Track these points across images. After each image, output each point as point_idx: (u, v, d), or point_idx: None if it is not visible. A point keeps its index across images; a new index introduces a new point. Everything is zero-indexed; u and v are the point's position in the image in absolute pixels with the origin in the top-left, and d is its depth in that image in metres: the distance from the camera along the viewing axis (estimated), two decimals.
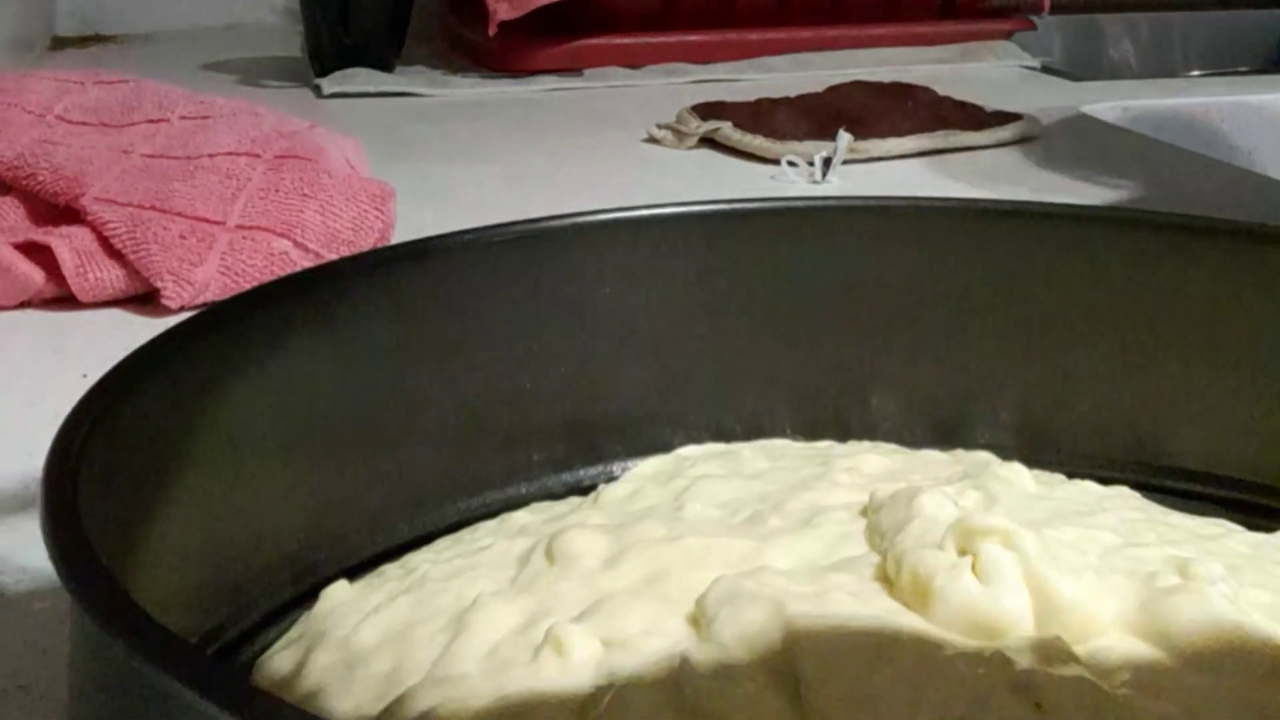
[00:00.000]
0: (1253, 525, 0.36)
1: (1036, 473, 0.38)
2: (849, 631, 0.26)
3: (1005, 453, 0.39)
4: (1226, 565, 0.31)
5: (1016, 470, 0.37)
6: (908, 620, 0.27)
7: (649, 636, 0.27)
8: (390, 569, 0.34)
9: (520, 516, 0.36)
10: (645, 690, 0.25)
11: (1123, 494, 0.37)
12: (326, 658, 0.29)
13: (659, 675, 0.26)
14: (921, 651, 0.26)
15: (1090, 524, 0.33)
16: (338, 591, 0.32)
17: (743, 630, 0.27)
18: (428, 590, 0.31)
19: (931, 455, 0.39)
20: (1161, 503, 0.37)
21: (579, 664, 0.26)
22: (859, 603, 0.28)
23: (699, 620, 0.28)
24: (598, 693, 0.26)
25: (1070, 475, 0.38)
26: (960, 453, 0.40)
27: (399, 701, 0.26)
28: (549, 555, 0.31)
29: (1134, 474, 0.39)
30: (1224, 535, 0.35)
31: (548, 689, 0.26)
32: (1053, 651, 0.26)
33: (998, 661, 0.26)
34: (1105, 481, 0.38)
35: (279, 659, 0.30)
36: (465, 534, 0.36)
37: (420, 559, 0.34)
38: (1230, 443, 0.38)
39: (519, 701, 0.26)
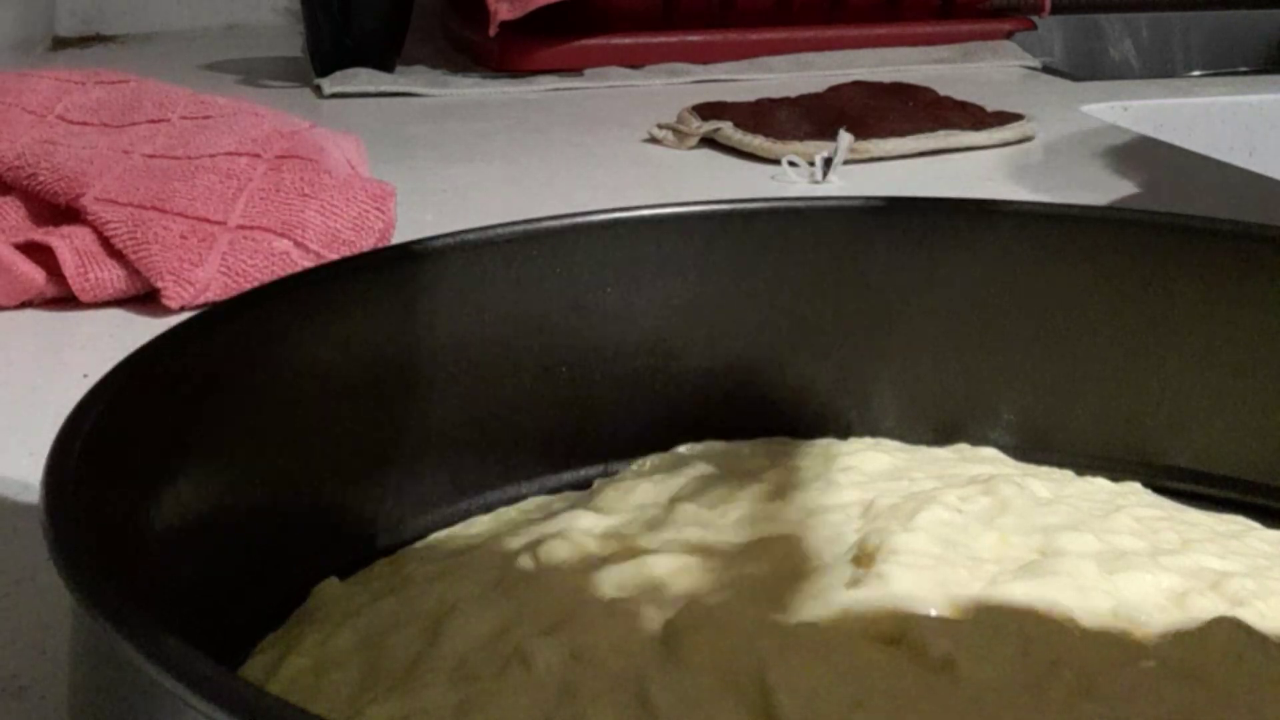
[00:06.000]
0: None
1: (1046, 469, 0.38)
2: (824, 668, 0.26)
3: (1008, 452, 0.39)
4: (1251, 567, 0.31)
5: (1026, 474, 0.36)
6: (885, 658, 0.26)
7: (618, 653, 0.27)
8: (380, 566, 0.34)
9: (514, 514, 0.36)
10: (607, 709, 0.25)
11: (1134, 490, 0.37)
12: (301, 661, 0.29)
13: (623, 695, 0.25)
14: (898, 690, 0.25)
15: (1107, 527, 0.32)
16: (327, 590, 0.32)
17: (711, 657, 0.26)
18: (411, 592, 0.30)
19: (935, 453, 0.39)
20: None
21: (543, 678, 0.26)
22: (834, 632, 0.27)
23: (668, 641, 0.27)
24: (559, 710, 0.25)
25: (1077, 473, 0.38)
26: (964, 448, 0.39)
27: (361, 712, 0.26)
28: (534, 559, 0.31)
29: (1136, 474, 0.38)
30: (1244, 533, 0.34)
31: (509, 704, 0.25)
32: (1060, 690, 0.25)
33: (991, 706, 0.25)
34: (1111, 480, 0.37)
35: (258, 660, 0.30)
36: (459, 529, 0.36)
37: (411, 557, 0.34)
38: (1232, 443, 0.38)
39: (479, 716, 0.25)
